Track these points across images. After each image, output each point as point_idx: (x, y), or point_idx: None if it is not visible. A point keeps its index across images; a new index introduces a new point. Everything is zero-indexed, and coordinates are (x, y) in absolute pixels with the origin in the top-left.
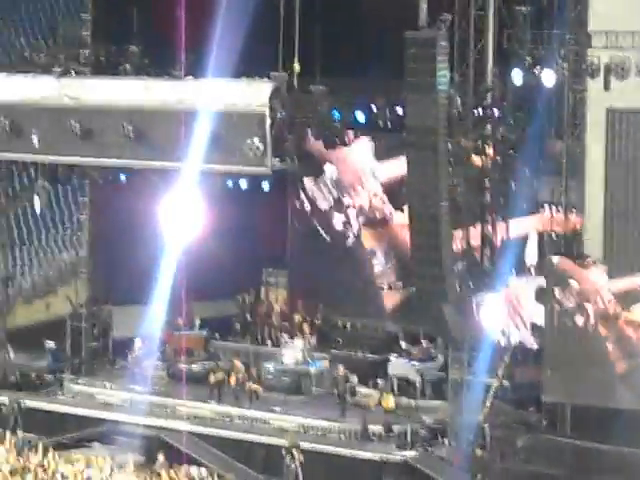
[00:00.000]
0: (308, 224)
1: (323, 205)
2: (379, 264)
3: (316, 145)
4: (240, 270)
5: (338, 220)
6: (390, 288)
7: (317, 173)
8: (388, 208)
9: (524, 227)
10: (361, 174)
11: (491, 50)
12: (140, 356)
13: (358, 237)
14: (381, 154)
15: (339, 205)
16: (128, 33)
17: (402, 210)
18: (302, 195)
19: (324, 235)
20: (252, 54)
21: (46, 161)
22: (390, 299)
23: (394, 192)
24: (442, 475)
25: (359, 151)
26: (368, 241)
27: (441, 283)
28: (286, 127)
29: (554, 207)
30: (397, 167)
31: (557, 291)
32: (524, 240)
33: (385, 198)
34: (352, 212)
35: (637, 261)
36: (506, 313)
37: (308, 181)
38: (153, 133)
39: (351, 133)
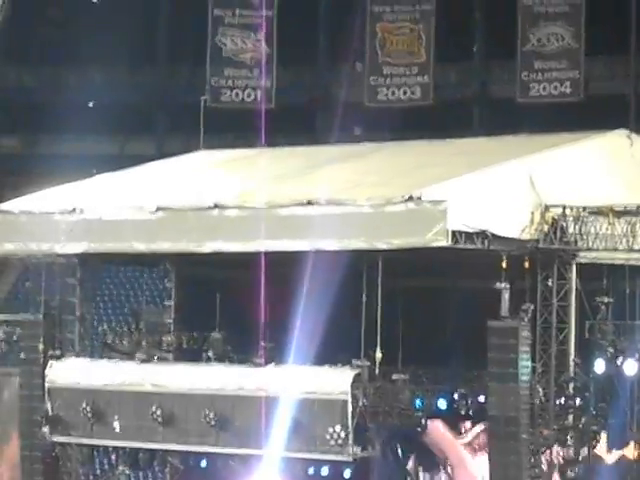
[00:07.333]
0: None
1: None
2: None
3: None
4: None
5: None
6: None
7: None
8: None
9: None
10: None
11: (573, 340)
12: None
13: None
14: None
15: None
16: (211, 320)
17: None
18: None
19: None
20: (334, 341)
21: (127, 446)
22: None
23: None
24: None
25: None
26: None
27: None
28: (368, 415)
29: None
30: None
31: None
32: None
33: None
34: None
35: None
36: None
37: None
38: (234, 419)
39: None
